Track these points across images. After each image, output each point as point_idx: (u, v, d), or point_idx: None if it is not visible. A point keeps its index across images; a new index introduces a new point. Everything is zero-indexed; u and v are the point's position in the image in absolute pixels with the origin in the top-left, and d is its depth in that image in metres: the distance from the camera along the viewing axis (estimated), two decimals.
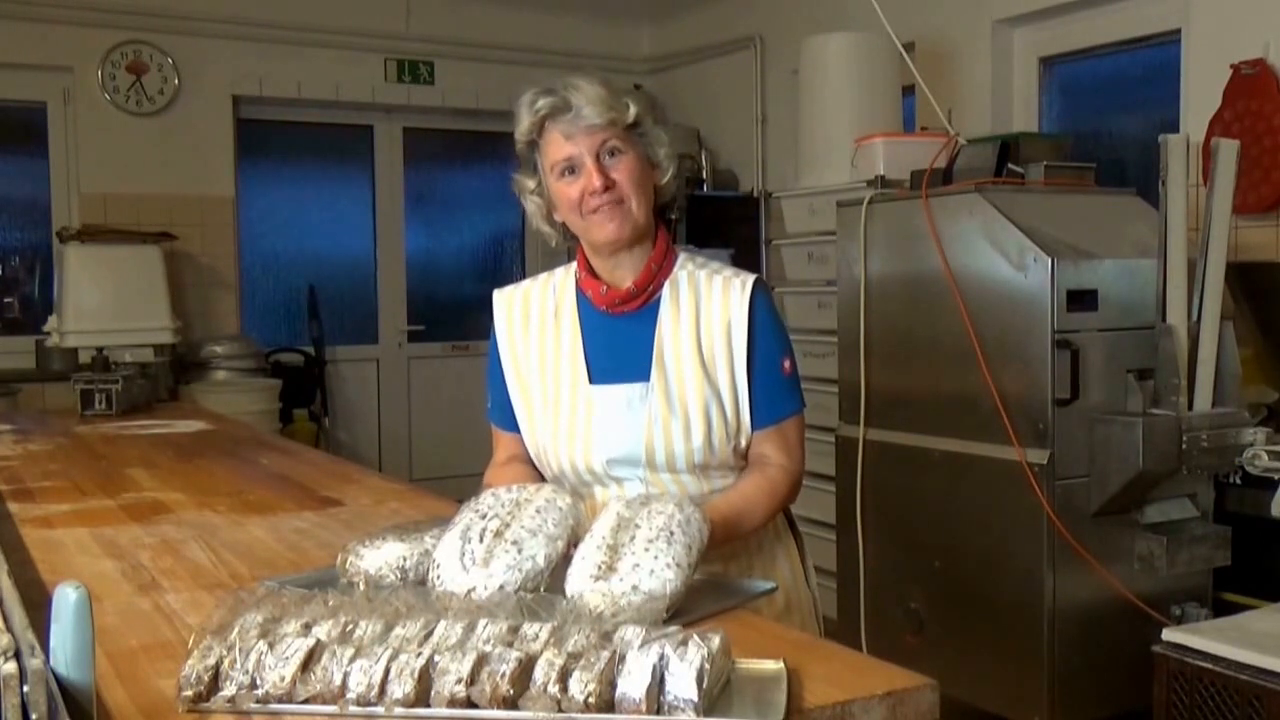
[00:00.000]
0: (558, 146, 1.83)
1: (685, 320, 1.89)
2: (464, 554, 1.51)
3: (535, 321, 1.98)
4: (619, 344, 1.91)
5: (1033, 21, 4.98)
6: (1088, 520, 3.23)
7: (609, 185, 1.82)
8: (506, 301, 2.02)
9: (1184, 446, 3.09)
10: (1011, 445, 3.27)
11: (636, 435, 1.86)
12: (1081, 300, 3.23)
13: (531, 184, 1.92)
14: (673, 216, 1.98)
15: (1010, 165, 3.60)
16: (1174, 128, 4.26)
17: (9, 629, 1.13)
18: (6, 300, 6.06)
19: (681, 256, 1.95)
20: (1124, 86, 4.88)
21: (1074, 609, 3.25)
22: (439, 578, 1.51)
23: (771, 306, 1.94)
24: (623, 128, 1.84)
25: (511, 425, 2.00)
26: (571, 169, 1.84)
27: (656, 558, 1.46)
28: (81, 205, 5.88)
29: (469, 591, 1.47)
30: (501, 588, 1.47)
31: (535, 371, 1.96)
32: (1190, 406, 3.15)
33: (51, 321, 5.32)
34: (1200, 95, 4.18)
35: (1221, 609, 3.33)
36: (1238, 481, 3.35)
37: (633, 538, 1.50)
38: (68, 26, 5.78)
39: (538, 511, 1.57)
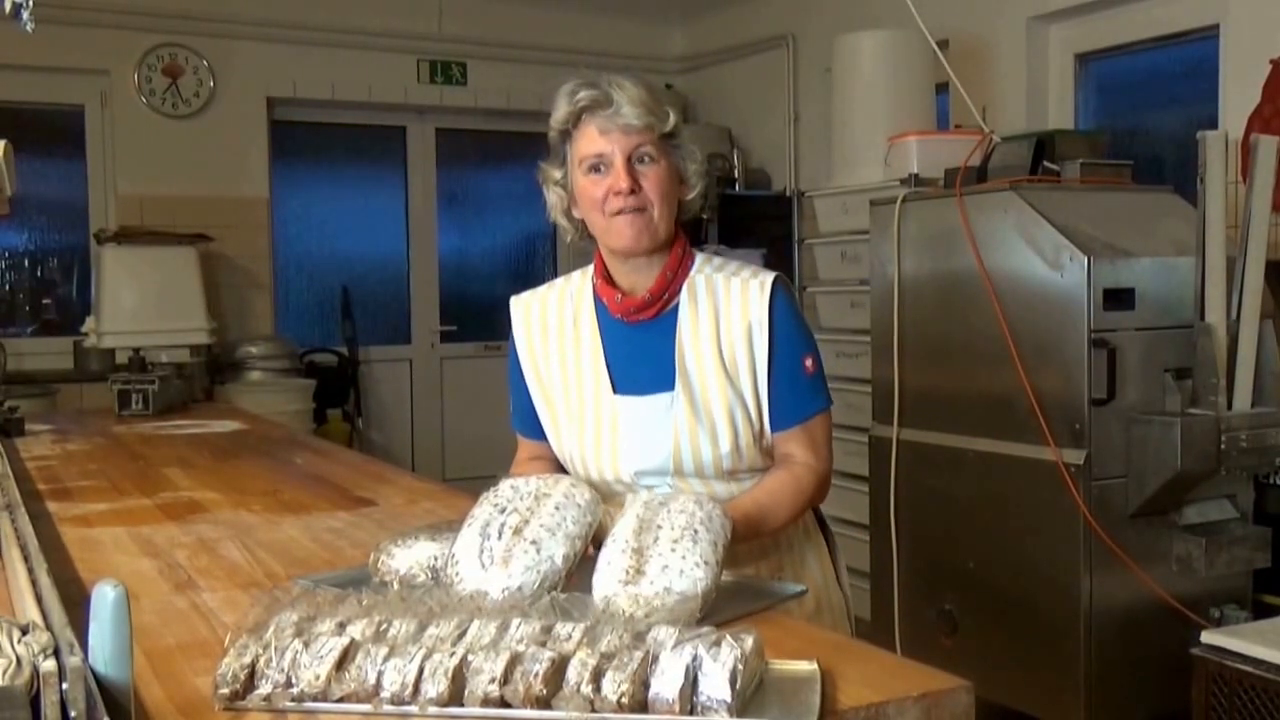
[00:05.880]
0: (591, 141, 1.80)
1: (705, 325, 1.86)
2: (482, 551, 1.50)
3: (554, 329, 1.95)
4: (640, 353, 1.88)
5: (1068, 18, 4.94)
6: (1125, 521, 3.20)
7: (634, 189, 1.79)
8: (524, 309, 2.00)
9: (1223, 447, 3.06)
10: (1047, 445, 3.25)
11: (664, 446, 1.84)
12: (1118, 299, 3.20)
13: (557, 174, 1.89)
14: (704, 216, 1.97)
15: (1046, 163, 3.57)
16: (1212, 124, 4.21)
17: (48, 627, 1.15)
18: (45, 301, 6.14)
19: (699, 259, 1.91)
20: (1161, 83, 4.83)
21: (1111, 611, 3.22)
22: (457, 574, 1.49)
23: (792, 304, 1.89)
24: (659, 135, 1.81)
25: (536, 433, 1.98)
26: (599, 166, 1.81)
27: (684, 557, 1.45)
28: (118, 207, 5.94)
29: (487, 591, 1.46)
30: (520, 589, 1.46)
31: (558, 381, 1.94)
32: (1229, 406, 3.12)
33: (89, 322, 5.36)
34: (1239, 91, 4.13)
35: (1261, 611, 3.29)
36: (1278, 482, 3.32)
37: (656, 539, 1.48)
38: (104, 30, 5.84)
39: (557, 508, 1.55)
